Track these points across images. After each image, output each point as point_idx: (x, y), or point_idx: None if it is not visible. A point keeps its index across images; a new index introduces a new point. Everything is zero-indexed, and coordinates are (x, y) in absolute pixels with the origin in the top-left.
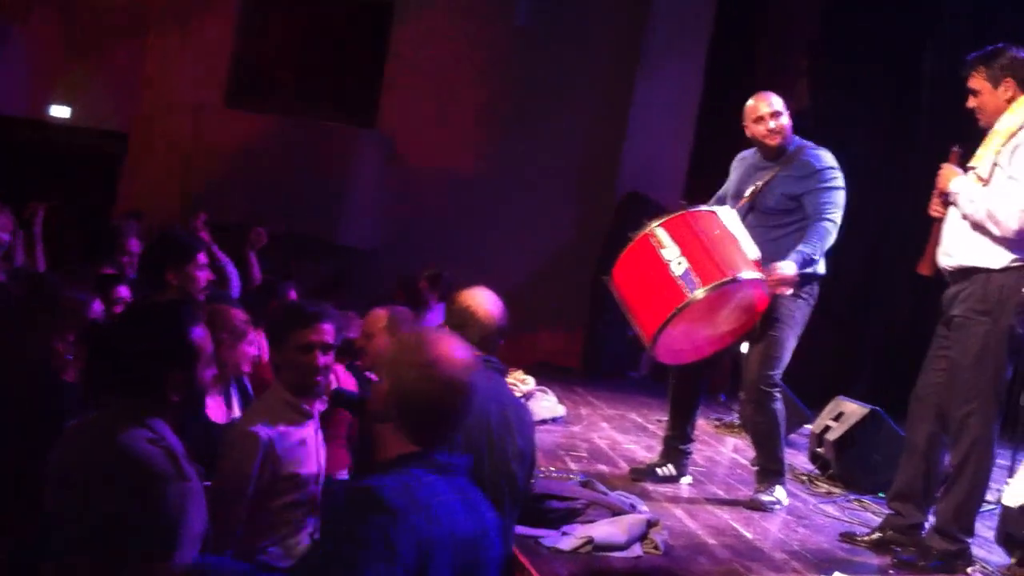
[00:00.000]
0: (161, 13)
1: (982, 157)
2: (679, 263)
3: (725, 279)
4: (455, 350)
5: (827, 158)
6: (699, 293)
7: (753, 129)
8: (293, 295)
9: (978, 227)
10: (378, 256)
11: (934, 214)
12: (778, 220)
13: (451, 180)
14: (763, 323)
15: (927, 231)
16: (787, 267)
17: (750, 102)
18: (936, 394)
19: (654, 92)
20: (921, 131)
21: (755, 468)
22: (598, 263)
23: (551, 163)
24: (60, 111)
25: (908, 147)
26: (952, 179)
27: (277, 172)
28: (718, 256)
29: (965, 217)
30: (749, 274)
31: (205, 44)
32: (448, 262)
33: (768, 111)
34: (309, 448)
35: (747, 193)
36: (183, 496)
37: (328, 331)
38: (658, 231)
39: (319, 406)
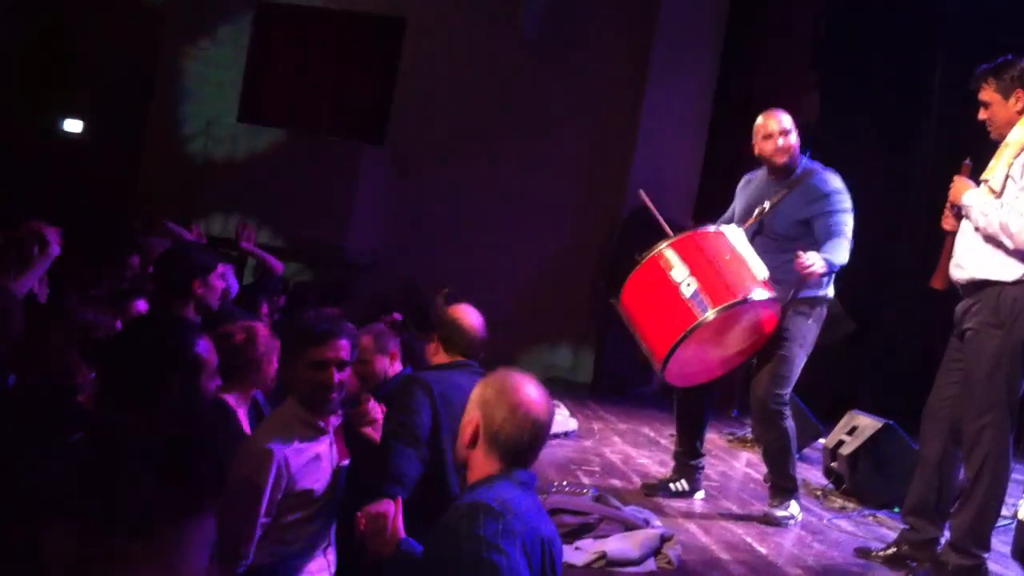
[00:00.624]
0: (174, 26)
1: (994, 169)
2: (688, 284)
3: (736, 300)
4: (535, 392)
5: (835, 181)
6: (710, 315)
7: (762, 146)
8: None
9: (991, 240)
10: (382, 268)
11: (946, 227)
12: (787, 244)
13: (459, 195)
14: (772, 342)
15: (937, 244)
16: (815, 257)
17: (759, 120)
18: (949, 408)
19: (664, 105)
20: (931, 143)
21: (768, 484)
22: (607, 279)
23: (560, 177)
24: (73, 125)
25: (918, 159)
26: (965, 192)
27: (286, 185)
28: (728, 277)
29: (978, 230)
30: (760, 294)
31: (218, 58)
32: (456, 276)
33: (777, 129)
34: (323, 464)
35: (755, 213)
36: None
37: (344, 347)
38: (667, 252)
39: (334, 421)
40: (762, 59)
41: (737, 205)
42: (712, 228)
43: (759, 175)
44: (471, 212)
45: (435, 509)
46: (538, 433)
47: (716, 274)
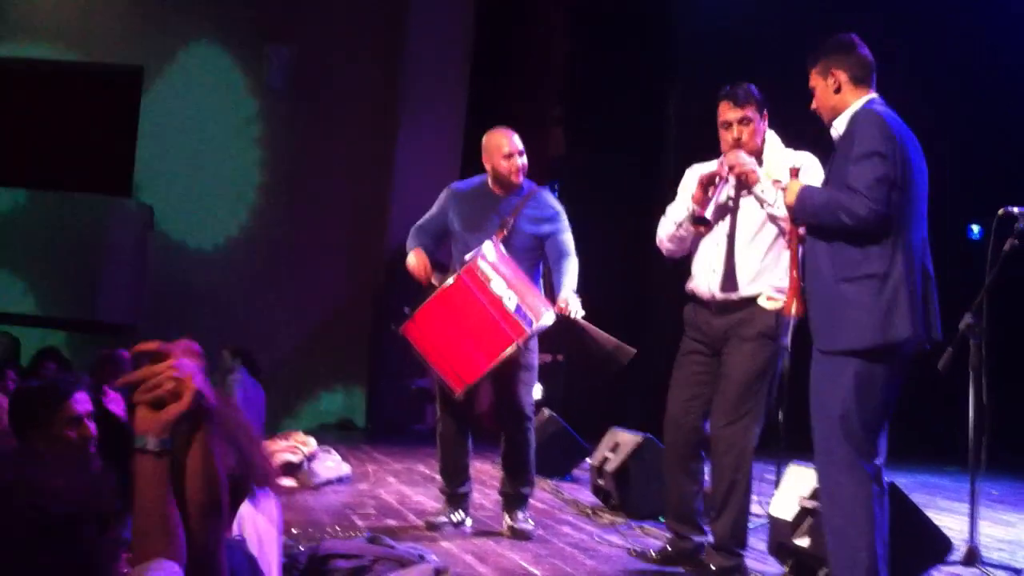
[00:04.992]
0: None
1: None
2: (509, 298)
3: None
4: None
5: (556, 201)
6: (534, 326)
7: (501, 165)
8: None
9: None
10: (141, 332)
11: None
12: (526, 256)
13: (214, 248)
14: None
15: (682, 262)
16: (574, 299)
17: (497, 138)
18: (693, 416)
19: (416, 146)
20: (670, 170)
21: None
22: (374, 321)
23: (320, 225)
24: None
25: (659, 187)
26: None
27: (30, 248)
28: (534, 292)
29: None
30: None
31: None
32: (220, 334)
33: (517, 148)
34: None
35: (497, 228)
36: None
37: (84, 399)
38: (481, 265)
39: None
40: (509, 95)
41: (455, 215)
42: (489, 244)
43: (479, 187)
44: (227, 266)
45: None
46: None
47: (528, 289)
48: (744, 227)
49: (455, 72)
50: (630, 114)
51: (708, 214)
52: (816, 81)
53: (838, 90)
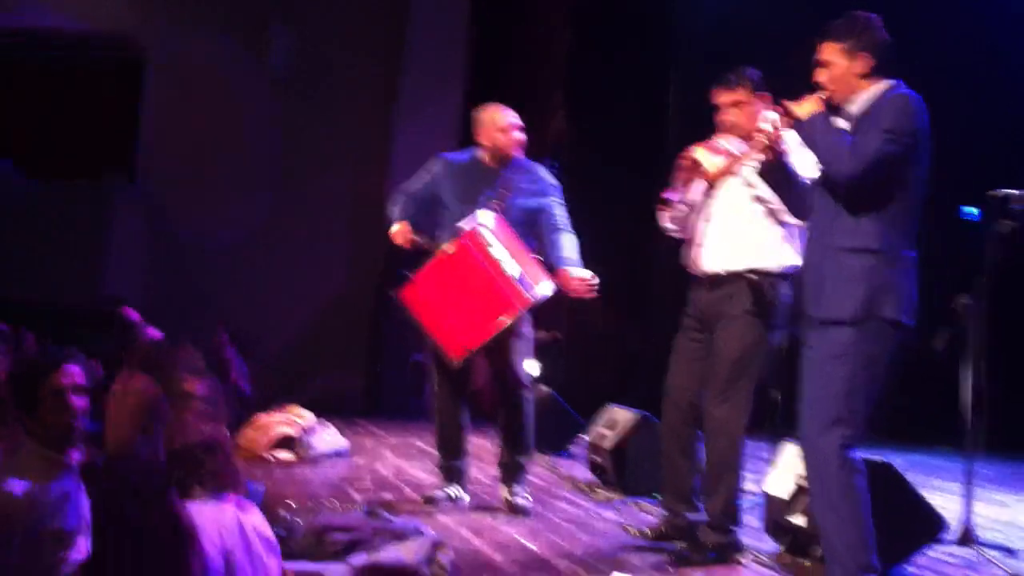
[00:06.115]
0: None
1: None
2: (512, 266)
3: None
4: None
5: (551, 176)
6: (536, 294)
7: (500, 138)
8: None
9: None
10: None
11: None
12: (520, 231)
13: (218, 234)
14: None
15: (680, 242)
16: (583, 271)
17: (495, 113)
18: (690, 393)
19: (414, 134)
20: (669, 160)
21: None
22: (374, 307)
23: (320, 210)
24: None
25: (661, 177)
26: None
27: (30, 237)
28: (532, 262)
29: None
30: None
31: None
32: (223, 317)
33: (517, 123)
34: (74, 502)
35: (492, 201)
36: None
37: (76, 372)
38: (484, 232)
39: (76, 456)
40: (509, 84)
41: (447, 185)
42: (486, 213)
43: (468, 159)
44: (230, 252)
45: None
46: None
47: (526, 258)
48: (730, 201)
49: (454, 63)
50: (630, 104)
51: (677, 197)
52: (836, 57)
53: (865, 75)
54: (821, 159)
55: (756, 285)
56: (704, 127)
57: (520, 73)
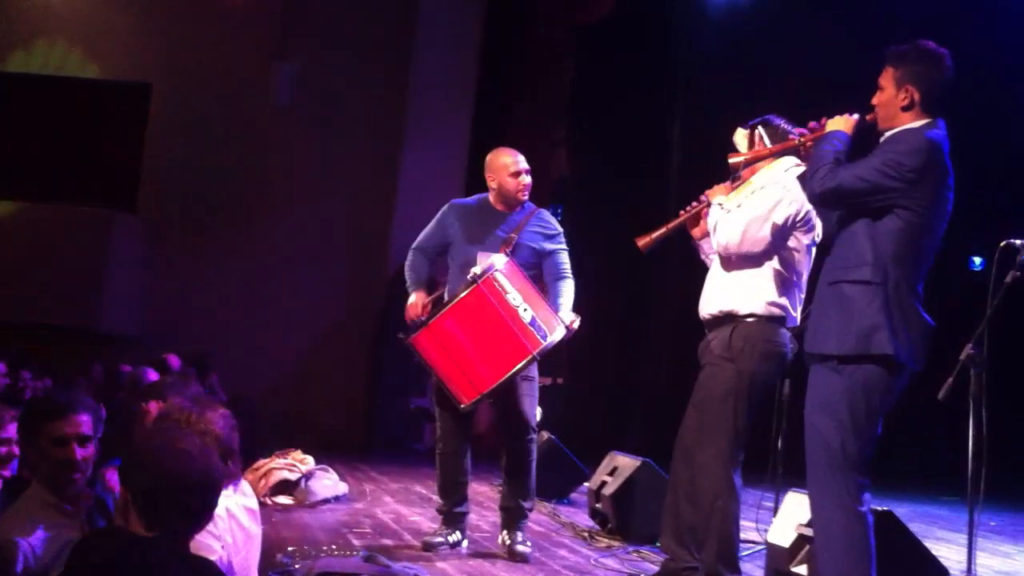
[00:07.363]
0: None
1: (731, 199)
2: (525, 310)
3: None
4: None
5: (556, 222)
6: (550, 340)
7: (508, 183)
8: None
9: (737, 263)
10: (143, 344)
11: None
12: (529, 273)
13: (218, 264)
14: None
15: (693, 285)
16: (570, 314)
17: (504, 157)
18: (691, 438)
19: (421, 166)
20: (675, 187)
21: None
22: (374, 340)
23: (321, 243)
24: None
25: (660, 206)
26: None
27: (32, 260)
28: (544, 306)
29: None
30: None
31: None
32: (220, 348)
33: (525, 167)
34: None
35: (501, 243)
36: None
37: (84, 422)
38: (499, 276)
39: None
40: (512, 116)
41: (455, 230)
42: (499, 258)
43: (478, 204)
44: (231, 282)
45: None
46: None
47: (540, 303)
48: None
49: (460, 93)
50: (634, 135)
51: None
52: (887, 82)
53: (907, 107)
54: (807, 171)
55: (732, 329)
56: (708, 162)
57: (524, 105)
